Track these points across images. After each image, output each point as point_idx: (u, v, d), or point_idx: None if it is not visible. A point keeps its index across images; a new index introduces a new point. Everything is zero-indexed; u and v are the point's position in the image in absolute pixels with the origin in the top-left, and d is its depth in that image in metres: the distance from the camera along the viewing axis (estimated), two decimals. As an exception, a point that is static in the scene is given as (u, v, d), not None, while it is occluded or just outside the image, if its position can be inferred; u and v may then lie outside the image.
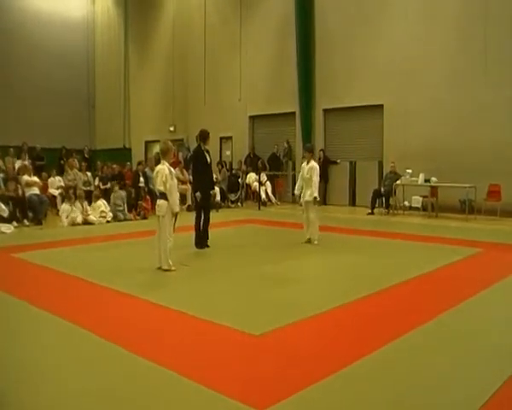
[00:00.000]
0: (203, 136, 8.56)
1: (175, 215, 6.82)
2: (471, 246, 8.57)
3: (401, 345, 4.04)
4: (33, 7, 23.00)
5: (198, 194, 8.43)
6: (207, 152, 8.69)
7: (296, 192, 9.29)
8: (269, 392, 3.22)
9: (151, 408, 3.07)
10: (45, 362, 3.80)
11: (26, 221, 11.74)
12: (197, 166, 8.68)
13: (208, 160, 8.64)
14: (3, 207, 10.94)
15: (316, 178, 8.70)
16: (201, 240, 8.52)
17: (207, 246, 8.57)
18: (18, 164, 14.02)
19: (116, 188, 13.04)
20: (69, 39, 24.28)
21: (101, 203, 12.38)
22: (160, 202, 6.78)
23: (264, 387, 3.31)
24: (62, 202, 12.89)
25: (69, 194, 12.72)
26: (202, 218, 8.58)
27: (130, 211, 13.15)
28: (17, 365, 3.76)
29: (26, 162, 14.41)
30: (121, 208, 12.80)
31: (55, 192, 13.98)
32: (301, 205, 9.11)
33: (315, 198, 8.73)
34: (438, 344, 4.12)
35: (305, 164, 8.98)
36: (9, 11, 22.02)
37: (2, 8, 21.83)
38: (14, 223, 11.10)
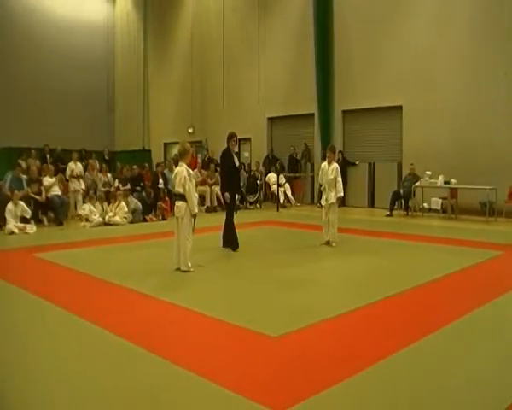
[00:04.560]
0: (228, 137, 8.62)
1: (194, 216, 6.86)
2: (492, 249, 8.48)
3: (421, 348, 4.02)
4: (54, 12, 23.43)
5: (227, 195, 8.49)
6: (237, 154, 8.79)
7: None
8: (286, 394, 3.23)
9: (169, 408, 3.11)
10: (63, 362, 3.86)
11: (45, 221, 11.96)
12: (224, 168, 8.78)
13: (236, 163, 8.69)
14: (26, 208, 11.13)
15: (340, 178, 8.80)
16: (233, 241, 8.55)
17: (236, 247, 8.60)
18: (72, 167, 14.03)
19: (128, 194, 13.09)
20: (89, 43, 24.63)
21: (124, 205, 12.51)
22: (178, 203, 6.81)
23: (282, 388, 3.32)
24: (83, 202, 13.12)
25: (90, 194, 12.92)
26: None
27: (149, 212, 13.26)
28: (34, 363, 3.83)
29: (79, 164, 14.38)
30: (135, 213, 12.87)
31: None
32: (320, 206, 9.06)
33: (339, 197, 8.79)
34: (460, 347, 4.09)
35: (325, 165, 8.91)
36: (30, 17, 22.41)
37: (23, 15, 22.22)
38: (32, 222, 11.26)
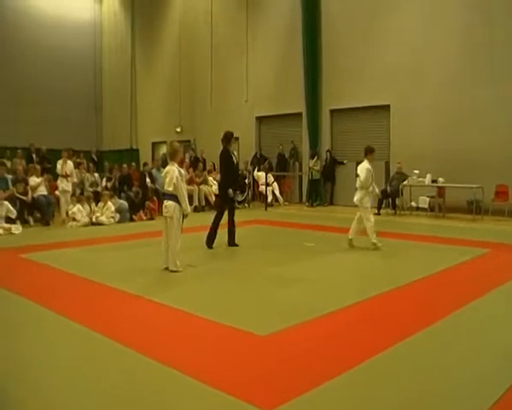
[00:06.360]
0: (227, 138, 8.77)
1: (185, 216, 6.80)
2: (479, 247, 8.53)
3: (411, 345, 4.03)
4: (40, 10, 23.22)
5: (230, 191, 8.53)
6: (233, 153, 8.95)
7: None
8: (275, 393, 3.22)
9: (157, 408, 3.08)
10: (50, 362, 3.82)
11: (31, 221, 11.82)
12: (224, 167, 8.83)
13: (235, 160, 8.87)
14: (11, 208, 11.00)
15: None
16: (213, 239, 8.60)
17: (236, 245, 8.70)
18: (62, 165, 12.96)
19: (113, 194, 12.97)
20: (76, 42, 24.46)
21: (111, 204, 12.41)
22: (167, 202, 6.74)
23: (271, 387, 3.31)
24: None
25: (77, 194, 12.79)
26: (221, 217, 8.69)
27: (137, 212, 13.18)
28: (20, 364, 3.78)
29: (70, 163, 13.20)
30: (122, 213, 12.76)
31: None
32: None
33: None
34: (446, 345, 4.11)
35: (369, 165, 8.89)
36: (16, 14, 22.21)
37: (9, 12, 22.00)
38: (18, 222, 11.13)
